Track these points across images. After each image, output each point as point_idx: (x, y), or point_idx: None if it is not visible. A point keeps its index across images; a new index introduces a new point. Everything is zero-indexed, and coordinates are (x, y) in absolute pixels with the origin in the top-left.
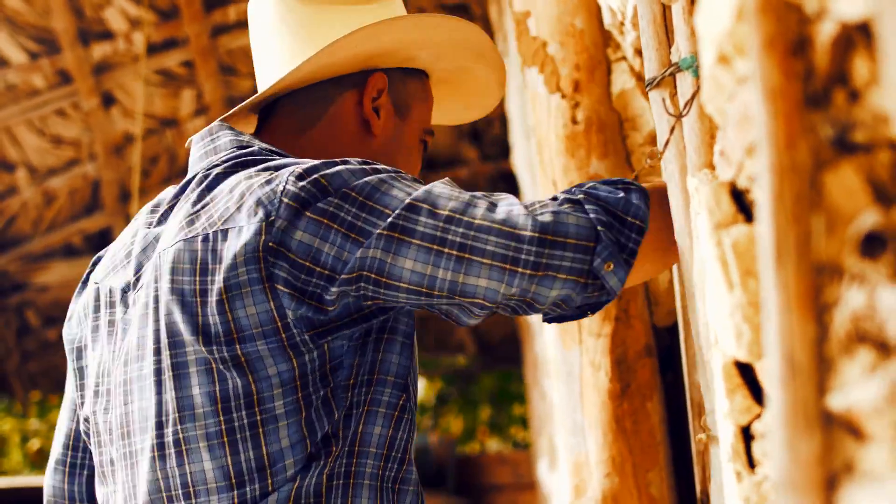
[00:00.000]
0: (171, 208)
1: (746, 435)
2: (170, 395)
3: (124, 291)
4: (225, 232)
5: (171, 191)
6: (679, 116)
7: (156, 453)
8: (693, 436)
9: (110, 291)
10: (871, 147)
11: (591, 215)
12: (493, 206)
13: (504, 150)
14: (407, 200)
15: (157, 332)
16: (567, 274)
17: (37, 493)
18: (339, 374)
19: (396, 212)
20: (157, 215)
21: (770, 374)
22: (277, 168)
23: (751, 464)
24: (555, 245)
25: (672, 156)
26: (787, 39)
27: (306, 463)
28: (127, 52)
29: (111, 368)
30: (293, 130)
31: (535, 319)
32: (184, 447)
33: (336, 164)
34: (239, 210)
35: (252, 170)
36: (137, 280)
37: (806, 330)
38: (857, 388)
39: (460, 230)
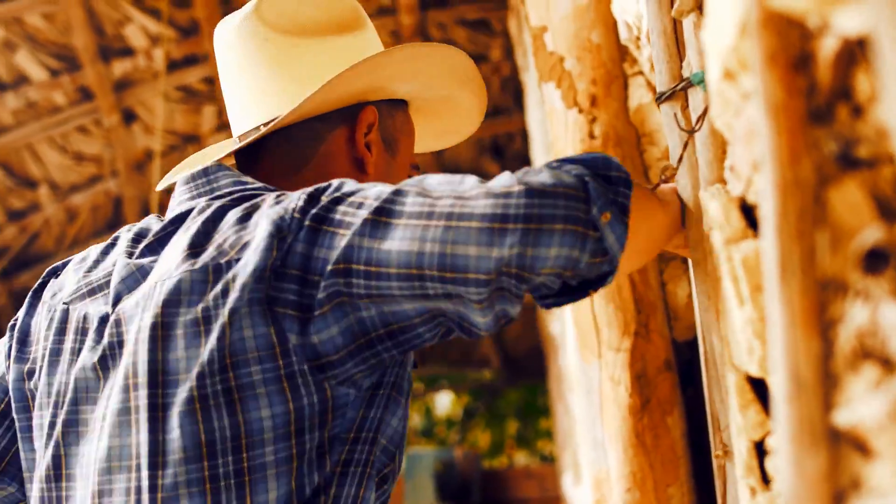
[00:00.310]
0: (160, 239)
1: (760, 450)
2: (152, 437)
3: (102, 321)
4: (238, 260)
5: (154, 222)
6: (691, 131)
7: (132, 497)
8: (713, 451)
9: (84, 318)
10: (874, 162)
11: (574, 171)
12: (482, 180)
13: (525, 164)
14: (395, 187)
15: (147, 363)
16: (564, 223)
17: None
18: (340, 424)
19: (384, 196)
20: (142, 246)
21: (776, 391)
22: (288, 196)
23: (765, 479)
24: (545, 195)
25: (685, 170)
26: (789, 55)
27: None
28: (147, 69)
29: (78, 399)
30: (285, 171)
31: (558, 330)
32: (159, 494)
33: (346, 181)
34: (253, 236)
35: (262, 199)
36: (115, 311)
37: (811, 346)
38: (861, 404)
39: (448, 202)
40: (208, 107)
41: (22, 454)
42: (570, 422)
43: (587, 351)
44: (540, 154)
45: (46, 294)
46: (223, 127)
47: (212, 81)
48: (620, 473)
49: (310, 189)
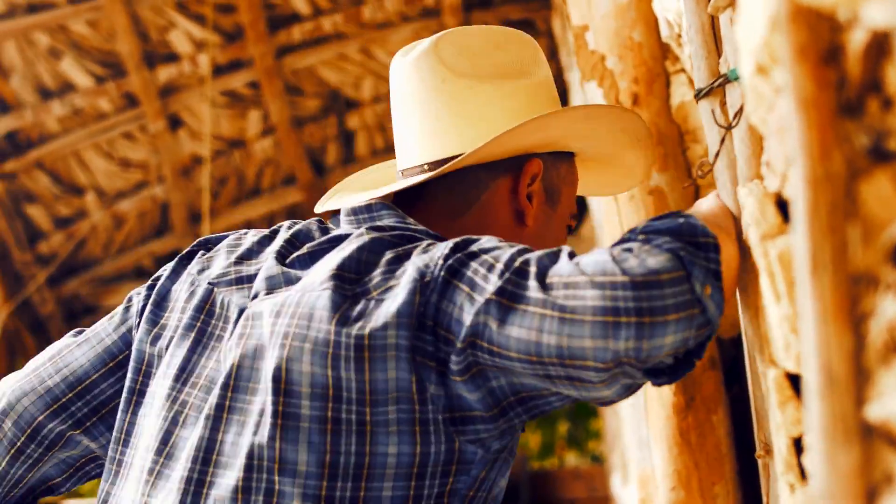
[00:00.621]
0: (313, 253)
1: (799, 447)
2: (271, 443)
3: (240, 314)
4: (381, 301)
5: (314, 229)
6: (729, 127)
7: (240, 496)
8: (757, 449)
9: (227, 305)
10: None
11: (666, 247)
12: (573, 254)
13: None
14: (520, 261)
15: (273, 370)
16: (676, 312)
17: None
18: (463, 480)
19: (510, 272)
20: (295, 255)
21: (808, 386)
22: (437, 246)
23: (803, 476)
24: (650, 285)
25: (723, 166)
26: (819, 48)
27: None
28: (192, 75)
29: (198, 383)
30: (445, 216)
31: None
32: (274, 499)
33: (487, 238)
34: (399, 282)
35: (416, 245)
36: (251, 307)
37: (843, 341)
38: (892, 398)
39: (561, 292)
40: (254, 111)
41: (119, 413)
42: (617, 422)
43: None
44: None
45: (193, 266)
46: (269, 131)
47: (256, 86)
48: (665, 472)
49: (457, 240)
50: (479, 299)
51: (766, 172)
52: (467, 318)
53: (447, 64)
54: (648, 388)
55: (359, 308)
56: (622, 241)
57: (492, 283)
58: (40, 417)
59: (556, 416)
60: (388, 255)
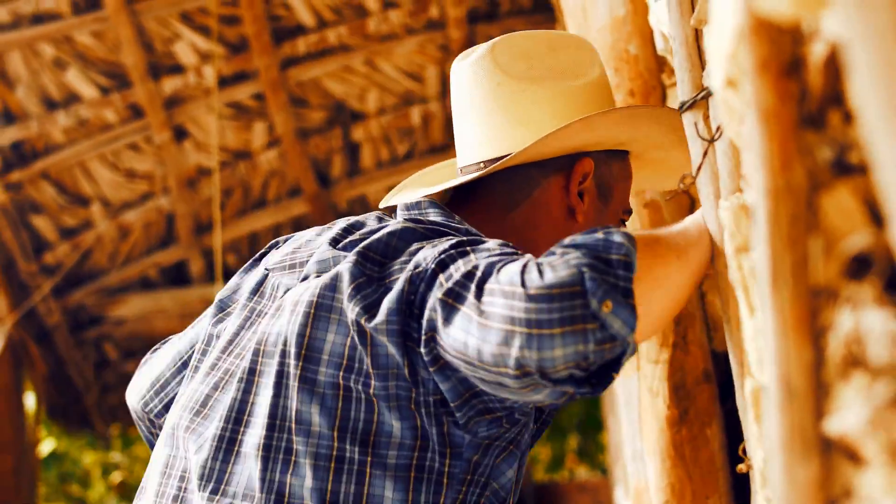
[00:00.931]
0: (363, 238)
1: None
2: (290, 403)
3: (286, 291)
4: (389, 289)
5: (371, 219)
6: (711, 140)
7: (261, 453)
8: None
9: (277, 287)
10: (866, 168)
11: (573, 262)
12: (504, 269)
13: None
14: (472, 265)
15: (297, 335)
16: (561, 326)
17: None
18: (458, 465)
19: (461, 275)
20: (348, 239)
21: (767, 399)
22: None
23: None
24: (540, 299)
25: (706, 179)
26: (780, 61)
27: None
28: (197, 86)
29: (240, 353)
30: (498, 212)
31: None
32: (292, 457)
33: (479, 238)
34: (405, 271)
35: (438, 240)
36: (300, 283)
37: (802, 354)
38: (849, 412)
39: (486, 298)
40: (259, 123)
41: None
42: (620, 434)
43: (626, 363)
44: None
45: (263, 262)
46: (275, 142)
47: (262, 97)
48: (659, 485)
49: (464, 238)
50: (438, 296)
51: (744, 185)
52: (426, 313)
53: (502, 67)
54: (643, 401)
55: (372, 289)
56: (548, 252)
57: (450, 283)
58: (140, 413)
59: (565, 428)
60: (414, 246)
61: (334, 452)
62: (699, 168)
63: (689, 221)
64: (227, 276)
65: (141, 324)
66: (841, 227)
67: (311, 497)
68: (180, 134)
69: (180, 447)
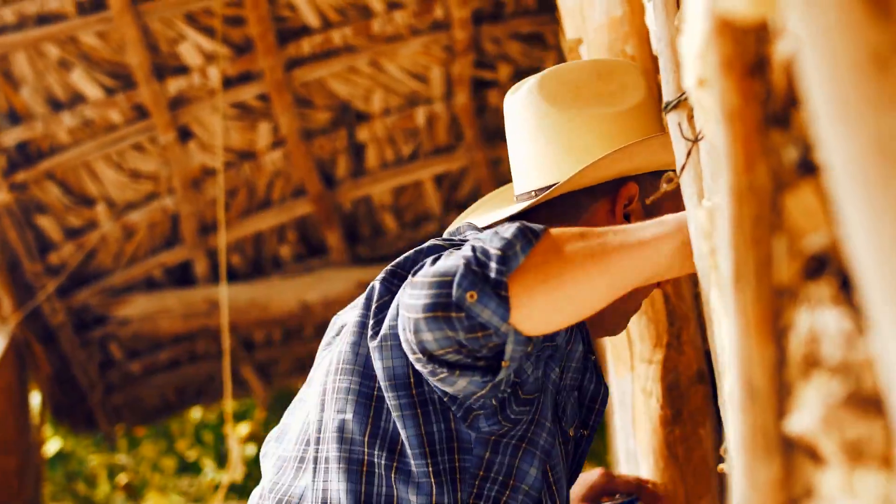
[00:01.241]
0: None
1: None
2: (332, 415)
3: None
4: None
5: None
6: (695, 140)
7: (341, 466)
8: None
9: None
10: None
11: (462, 253)
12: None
13: None
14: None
15: (338, 352)
16: (424, 312)
17: None
18: (468, 460)
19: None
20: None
21: (730, 399)
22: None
23: None
24: (415, 285)
25: (690, 179)
26: (745, 60)
27: None
28: (202, 87)
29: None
30: None
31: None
32: (324, 465)
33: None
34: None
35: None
36: None
37: (765, 354)
38: (805, 411)
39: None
40: (263, 123)
41: None
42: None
43: (620, 364)
44: None
45: None
46: (280, 143)
47: (266, 98)
48: None
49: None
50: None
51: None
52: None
53: (549, 98)
54: (637, 401)
55: (389, 299)
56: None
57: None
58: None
59: None
60: (432, 258)
61: (365, 458)
62: (683, 168)
63: (659, 220)
64: (232, 276)
65: (145, 324)
66: (804, 226)
67: (346, 499)
68: (185, 134)
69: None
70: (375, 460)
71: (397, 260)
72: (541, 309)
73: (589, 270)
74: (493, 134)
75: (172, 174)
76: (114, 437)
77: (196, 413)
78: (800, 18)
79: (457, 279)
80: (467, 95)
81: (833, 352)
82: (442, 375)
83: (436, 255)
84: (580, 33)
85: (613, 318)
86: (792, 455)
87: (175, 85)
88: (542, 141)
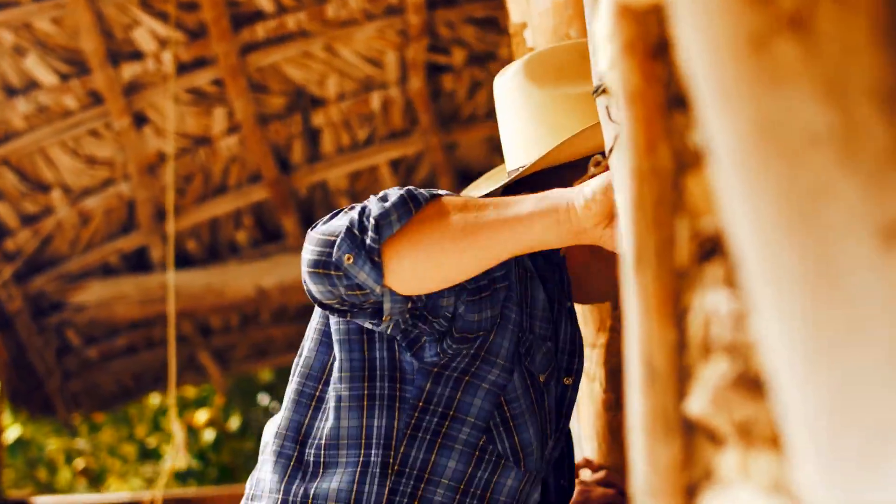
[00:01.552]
0: None
1: None
2: (304, 355)
3: None
4: None
5: None
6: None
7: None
8: None
9: None
10: None
11: (349, 214)
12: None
13: None
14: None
15: None
16: (311, 266)
17: None
18: (408, 390)
19: None
20: None
21: (630, 380)
22: None
23: None
24: (309, 239)
25: (619, 164)
26: (646, 43)
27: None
28: (157, 72)
29: None
30: None
31: None
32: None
33: None
34: None
35: None
36: None
37: (665, 335)
38: (699, 393)
39: None
40: (218, 109)
41: None
42: None
43: None
44: None
45: None
46: (235, 128)
47: (221, 84)
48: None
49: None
50: None
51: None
52: None
53: (533, 78)
54: (581, 386)
55: None
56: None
57: None
58: None
59: None
60: (330, 214)
61: (316, 392)
62: (611, 151)
63: (542, 195)
64: (188, 262)
65: (102, 310)
66: (704, 208)
67: (288, 428)
68: (140, 120)
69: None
70: (320, 394)
71: None
72: (411, 274)
73: (458, 242)
74: (448, 118)
75: (128, 160)
76: (71, 423)
77: (154, 399)
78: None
79: (338, 241)
80: (422, 80)
81: (723, 333)
82: (339, 317)
83: (334, 212)
84: (525, 17)
85: (597, 282)
86: (693, 438)
87: (130, 70)
88: (528, 120)
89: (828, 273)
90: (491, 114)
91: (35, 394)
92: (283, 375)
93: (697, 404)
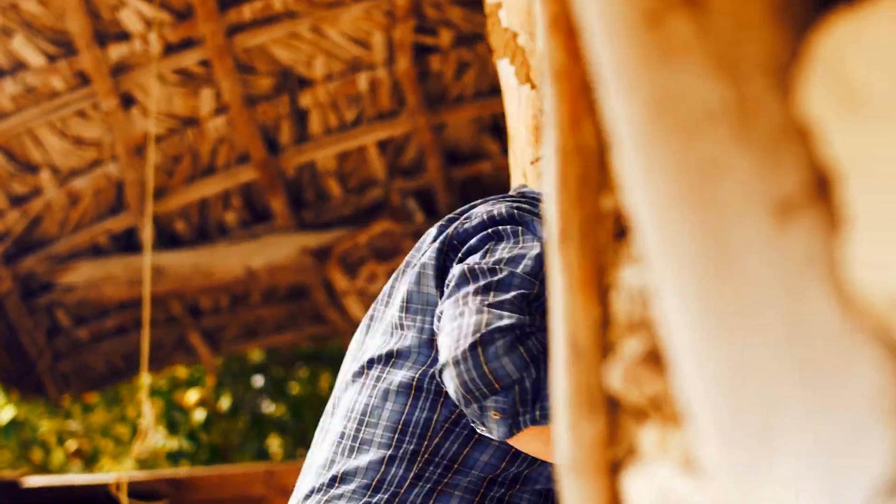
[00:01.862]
0: None
1: None
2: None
3: None
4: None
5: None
6: None
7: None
8: None
9: None
10: None
11: (515, 376)
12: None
13: None
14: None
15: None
16: (459, 387)
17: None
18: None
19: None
20: None
21: (554, 358)
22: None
23: None
24: (471, 351)
25: (545, 142)
26: (572, 19)
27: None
28: (144, 53)
29: None
30: None
31: None
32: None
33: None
34: None
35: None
36: None
37: (589, 312)
38: (614, 368)
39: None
40: (206, 90)
41: None
42: None
43: None
44: None
45: None
46: (222, 109)
47: (208, 64)
48: None
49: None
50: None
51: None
52: (449, 273)
53: None
54: None
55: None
56: (538, 329)
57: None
58: None
59: None
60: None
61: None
62: None
63: None
64: (178, 242)
65: (91, 290)
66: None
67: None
68: (128, 101)
69: None
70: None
71: (455, 214)
72: (529, 450)
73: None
74: (436, 99)
75: (116, 141)
76: (61, 404)
77: (145, 380)
78: None
79: (498, 397)
80: (409, 61)
81: (632, 310)
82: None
83: (488, 247)
84: None
85: None
86: (617, 415)
87: (117, 51)
88: None
89: (724, 250)
90: (478, 94)
91: (26, 375)
92: (273, 356)
93: (613, 380)
